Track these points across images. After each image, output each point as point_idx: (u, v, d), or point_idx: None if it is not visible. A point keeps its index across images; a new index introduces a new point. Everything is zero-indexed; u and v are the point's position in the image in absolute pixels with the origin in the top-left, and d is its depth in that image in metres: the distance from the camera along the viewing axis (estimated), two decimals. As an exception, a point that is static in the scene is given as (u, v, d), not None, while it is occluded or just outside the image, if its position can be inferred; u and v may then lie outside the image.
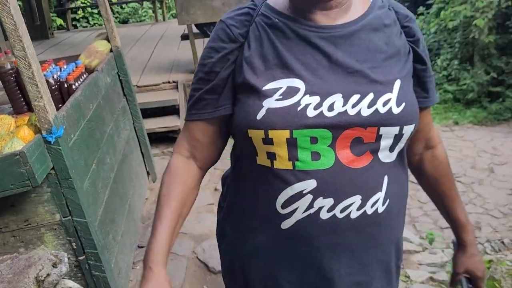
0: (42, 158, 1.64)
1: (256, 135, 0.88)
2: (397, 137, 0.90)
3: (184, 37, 4.80)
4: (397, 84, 0.89)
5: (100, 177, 2.22)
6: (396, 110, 0.87)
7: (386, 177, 0.92)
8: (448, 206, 1.15)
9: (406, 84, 0.92)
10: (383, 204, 0.93)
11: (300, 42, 0.90)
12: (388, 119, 0.87)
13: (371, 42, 0.91)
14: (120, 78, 3.08)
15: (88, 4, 10.94)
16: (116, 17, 11.45)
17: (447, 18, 9.14)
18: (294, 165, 0.88)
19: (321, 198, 0.88)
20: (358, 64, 0.89)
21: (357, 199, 0.89)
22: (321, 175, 0.87)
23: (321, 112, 0.85)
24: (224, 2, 4.20)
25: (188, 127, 1.01)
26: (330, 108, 0.86)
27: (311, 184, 0.88)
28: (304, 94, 0.86)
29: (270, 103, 0.86)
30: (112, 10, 11.25)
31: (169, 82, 4.54)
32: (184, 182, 1.00)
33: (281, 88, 0.87)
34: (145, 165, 3.41)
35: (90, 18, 10.71)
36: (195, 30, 4.67)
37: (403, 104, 0.88)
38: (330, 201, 0.88)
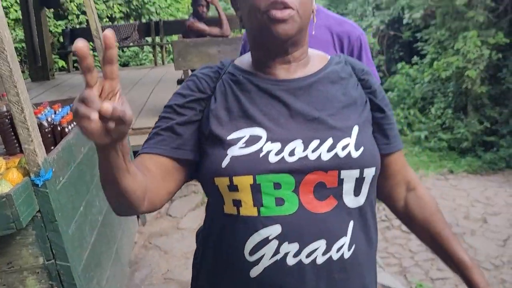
0: (29, 200, 1.65)
1: (222, 182, 0.91)
2: (359, 180, 0.92)
3: (180, 81, 4.91)
4: (355, 129, 0.94)
5: (88, 220, 2.22)
6: (355, 154, 0.91)
7: (351, 222, 0.93)
8: (447, 247, 1.07)
9: (364, 130, 0.96)
10: (348, 250, 0.93)
11: (262, 94, 0.96)
12: (348, 163, 0.90)
13: (329, 93, 0.97)
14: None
15: (91, 47, 11.21)
16: (118, 60, 11.71)
17: (440, 69, 9.38)
18: (259, 211, 0.90)
19: (286, 243, 0.89)
20: (317, 112, 0.94)
21: (322, 244, 0.90)
22: (286, 221, 0.89)
23: (283, 157, 0.89)
24: (220, 49, 4.33)
25: (139, 158, 0.97)
26: (291, 153, 0.90)
27: (276, 229, 0.89)
28: (266, 141, 0.91)
29: (233, 151, 0.90)
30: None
31: (164, 126, 4.59)
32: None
33: (244, 136, 0.91)
34: (136, 208, 3.40)
35: (91, 60, 10.93)
36: (192, 75, 4.79)
37: (362, 148, 0.92)
38: (295, 246, 0.89)
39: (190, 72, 4.67)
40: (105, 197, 0.89)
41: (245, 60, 1.03)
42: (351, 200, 0.93)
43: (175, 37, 9.92)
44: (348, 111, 0.96)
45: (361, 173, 0.91)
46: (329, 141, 0.91)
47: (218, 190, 0.92)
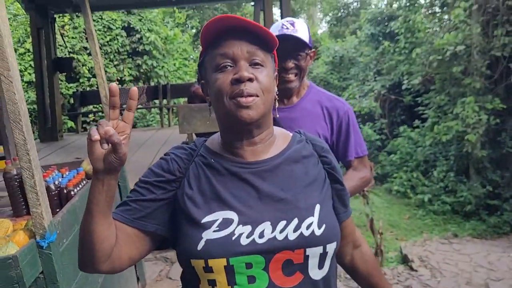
0: (33, 262, 1.72)
1: (198, 264, 0.98)
2: (322, 256, 1.01)
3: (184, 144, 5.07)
4: (317, 208, 1.03)
5: (88, 282, 2.27)
6: (318, 232, 1.00)
7: None
8: None
9: (325, 207, 1.06)
10: None
11: (233, 177, 1.04)
12: (312, 241, 0.99)
13: (293, 172, 1.06)
14: (119, 183, 3.24)
15: (100, 109, 11.57)
16: (133, 119, 12.02)
17: (441, 132, 9.53)
18: None
19: None
20: (283, 193, 1.03)
21: None
22: None
23: (253, 239, 0.97)
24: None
25: None
26: (261, 235, 0.98)
27: None
28: (238, 225, 0.98)
29: (208, 234, 0.98)
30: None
31: (167, 187, 4.70)
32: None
33: (217, 220, 0.99)
34: (136, 271, 3.43)
35: (100, 121, 11.25)
36: (195, 138, 4.96)
37: (324, 226, 1.01)
38: None
39: (194, 136, 4.84)
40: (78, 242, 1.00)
41: (215, 140, 1.12)
42: (316, 273, 1.02)
43: (181, 100, 10.26)
44: (310, 189, 1.05)
45: (324, 248, 1.00)
46: (295, 221, 0.99)
47: (194, 270, 1.00)
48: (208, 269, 0.97)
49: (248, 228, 0.98)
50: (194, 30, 17.32)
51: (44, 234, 1.76)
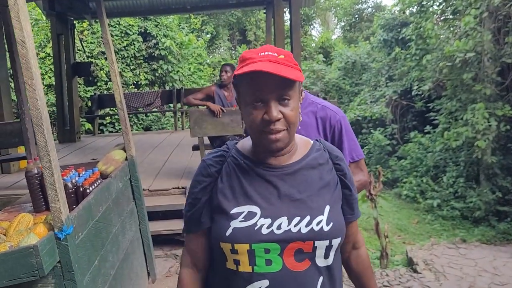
0: (51, 252, 1.92)
1: (225, 246, 1.20)
2: (328, 247, 1.22)
3: (195, 147, 5.26)
4: (327, 209, 1.23)
5: (101, 273, 2.46)
6: (326, 228, 1.20)
7: (321, 278, 1.24)
8: None
9: (334, 208, 1.26)
10: None
11: (258, 178, 1.25)
12: (320, 235, 1.20)
13: (309, 177, 1.26)
14: (132, 183, 3.44)
15: (116, 112, 11.87)
16: (140, 124, 12.32)
17: (451, 138, 9.59)
18: (253, 268, 1.19)
19: None
20: (299, 194, 1.23)
21: None
22: (272, 276, 1.19)
23: (272, 230, 1.18)
24: (232, 119, 4.70)
25: (187, 240, 1.36)
26: (279, 227, 1.18)
27: (265, 283, 1.19)
28: (260, 217, 1.20)
29: (235, 224, 1.20)
30: (137, 117, 12.14)
31: (178, 188, 4.90)
32: None
33: (243, 212, 1.21)
34: (146, 266, 3.62)
35: (116, 124, 11.55)
36: (206, 141, 5.15)
37: (331, 224, 1.21)
38: None
39: (204, 139, 5.03)
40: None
41: (245, 145, 1.33)
42: (321, 262, 1.23)
43: (195, 104, 10.43)
44: (323, 192, 1.25)
45: (330, 242, 1.21)
46: (307, 218, 1.20)
47: (222, 251, 1.22)
48: (234, 251, 1.19)
49: (268, 221, 1.19)
50: (209, 36, 17.58)
51: (62, 227, 1.96)
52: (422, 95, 11.57)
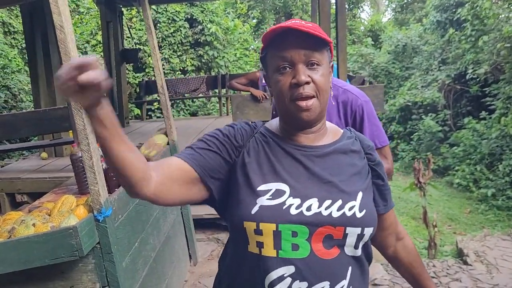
0: (91, 233, 1.96)
1: (249, 226, 1.10)
2: (359, 237, 1.13)
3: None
4: (360, 195, 1.15)
5: (141, 255, 2.50)
6: (359, 215, 1.12)
7: (350, 268, 1.15)
8: (422, 284, 1.40)
9: (366, 196, 1.18)
10: None
11: (287, 156, 1.17)
12: (353, 221, 1.11)
13: (340, 161, 1.19)
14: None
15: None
16: (187, 109, 12.48)
17: (509, 124, 9.08)
18: (277, 253, 1.09)
19: (298, 281, 1.09)
20: (331, 177, 1.15)
21: (326, 285, 1.11)
22: (299, 263, 1.09)
23: (301, 211, 1.09)
24: (274, 103, 4.64)
25: (168, 159, 1.16)
26: (308, 209, 1.10)
27: (290, 269, 1.09)
28: (289, 196, 1.11)
29: (262, 201, 1.10)
30: (184, 103, 12.32)
31: (221, 173, 4.92)
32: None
33: (271, 190, 1.12)
34: (188, 249, 3.67)
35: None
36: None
37: (364, 211, 1.13)
38: (304, 284, 1.10)
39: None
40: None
41: (273, 124, 1.26)
42: (350, 251, 1.14)
43: (240, 89, 10.44)
44: (355, 178, 1.17)
45: (362, 230, 1.12)
46: (339, 202, 1.11)
47: (245, 232, 1.12)
48: (258, 232, 1.09)
49: (297, 201, 1.10)
50: (255, 21, 17.49)
51: (100, 209, 1.99)
52: (478, 79, 11.00)
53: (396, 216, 1.37)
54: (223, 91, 9.77)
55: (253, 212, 1.10)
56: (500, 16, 9.99)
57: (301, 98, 1.11)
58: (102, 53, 9.98)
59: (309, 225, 1.09)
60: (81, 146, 1.93)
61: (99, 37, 11.21)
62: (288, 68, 1.12)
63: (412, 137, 12.75)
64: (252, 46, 15.15)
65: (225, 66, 12.95)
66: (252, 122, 1.29)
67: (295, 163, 1.16)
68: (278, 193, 1.11)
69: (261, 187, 1.12)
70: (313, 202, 1.10)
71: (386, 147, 2.06)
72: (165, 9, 12.13)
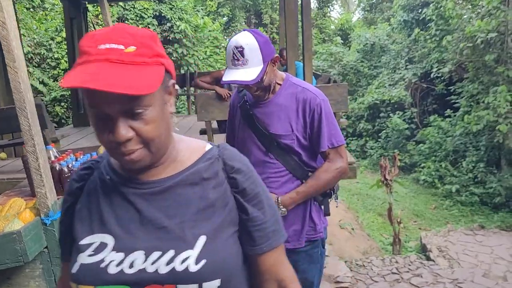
0: (37, 237, 1.89)
1: (74, 287, 0.96)
2: None
3: (203, 132, 5.20)
4: (201, 240, 0.93)
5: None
6: (193, 268, 0.90)
7: None
8: None
9: (215, 238, 0.95)
10: None
11: (119, 198, 0.97)
12: (185, 277, 0.90)
13: (185, 197, 0.96)
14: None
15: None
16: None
17: (471, 122, 9.32)
18: None
19: None
20: (167, 220, 0.94)
21: None
22: None
23: (122, 269, 0.92)
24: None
25: (61, 269, 1.11)
26: (131, 265, 0.92)
27: None
28: (111, 251, 0.93)
29: (82, 258, 0.94)
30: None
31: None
32: None
33: (94, 243, 0.95)
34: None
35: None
36: (214, 125, 5.08)
37: (203, 261, 0.91)
38: None
39: (214, 123, 4.97)
40: None
41: None
42: None
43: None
44: (201, 217, 0.95)
45: (200, 286, 0.91)
46: (170, 253, 0.91)
47: None
48: None
49: (120, 256, 0.93)
50: (225, 18, 17.43)
51: (48, 212, 1.93)
52: (443, 78, 11.26)
53: (285, 260, 1.09)
54: (192, 89, 9.70)
55: (73, 271, 0.95)
56: (464, 17, 10.24)
57: (124, 155, 0.90)
58: (66, 50, 9.75)
59: (132, 284, 0.91)
60: (27, 147, 1.87)
61: (64, 34, 10.96)
62: (104, 119, 0.88)
63: (380, 134, 12.97)
64: (222, 44, 15.08)
65: (195, 64, 12.86)
66: (98, 157, 1.10)
67: (127, 205, 0.96)
68: (101, 247, 0.94)
69: (84, 241, 0.96)
70: (138, 256, 0.92)
71: (342, 146, 2.07)
72: (133, 6, 11.95)
